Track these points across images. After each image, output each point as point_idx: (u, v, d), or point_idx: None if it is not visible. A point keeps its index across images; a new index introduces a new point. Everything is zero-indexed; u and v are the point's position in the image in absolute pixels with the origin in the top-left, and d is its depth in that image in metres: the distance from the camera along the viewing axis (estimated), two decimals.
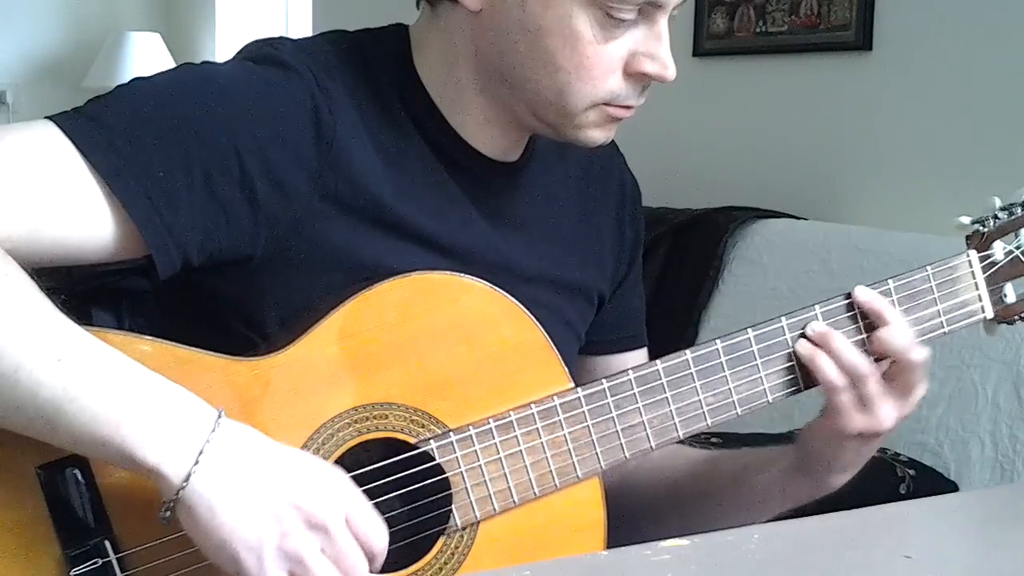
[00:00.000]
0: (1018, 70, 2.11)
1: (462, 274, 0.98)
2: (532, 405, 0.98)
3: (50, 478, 0.87)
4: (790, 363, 1.02)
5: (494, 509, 0.98)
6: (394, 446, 0.95)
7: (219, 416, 0.84)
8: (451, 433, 0.96)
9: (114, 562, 0.88)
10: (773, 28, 2.54)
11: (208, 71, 0.97)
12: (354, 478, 0.90)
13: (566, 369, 1.01)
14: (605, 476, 1.02)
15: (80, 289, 1.01)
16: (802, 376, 1.02)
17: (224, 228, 0.93)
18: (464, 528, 0.98)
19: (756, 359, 1.02)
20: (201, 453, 0.82)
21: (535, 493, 0.99)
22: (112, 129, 0.90)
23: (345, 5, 3.76)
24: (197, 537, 0.84)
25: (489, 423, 0.97)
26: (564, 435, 0.99)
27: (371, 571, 0.87)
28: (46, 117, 0.91)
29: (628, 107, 1.00)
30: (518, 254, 1.06)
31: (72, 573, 0.87)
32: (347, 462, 0.94)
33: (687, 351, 1.01)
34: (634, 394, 1.00)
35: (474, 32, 0.99)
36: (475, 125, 1.03)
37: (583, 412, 0.99)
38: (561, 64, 0.96)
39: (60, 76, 4.45)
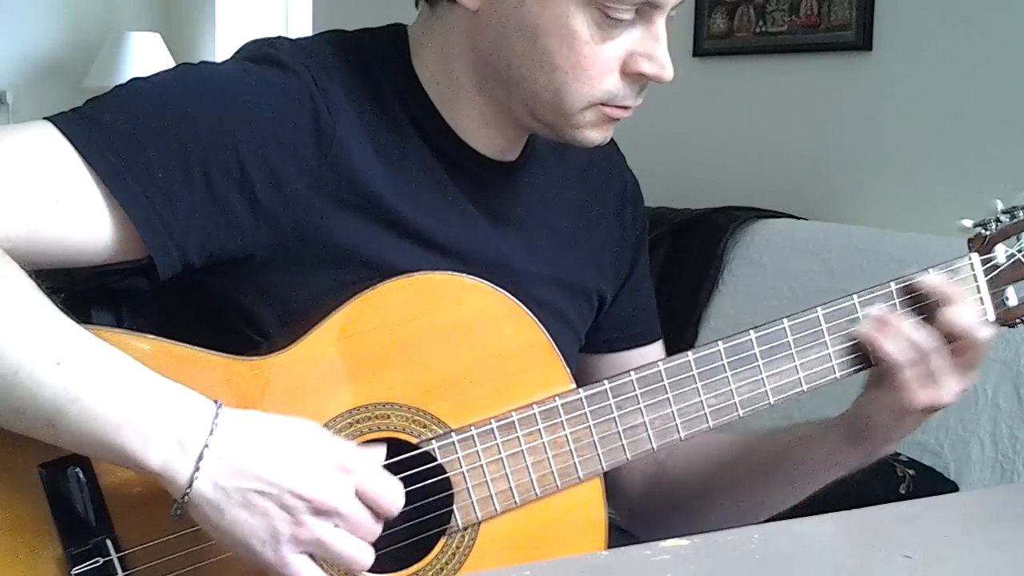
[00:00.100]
0: (1018, 70, 2.11)
1: (464, 274, 0.98)
2: (534, 405, 0.98)
3: (52, 477, 0.87)
4: (791, 364, 1.03)
5: (495, 509, 0.98)
6: (395, 446, 0.95)
7: (216, 414, 0.84)
8: (453, 433, 0.96)
9: (115, 561, 0.88)
10: (773, 28, 2.54)
11: (207, 71, 0.97)
12: None
13: (568, 370, 1.01)
14: (640, 466, 1.02)
15: (80, 289, 1.01)
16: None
17: (224, 228, 0.93)
18: (465, 528, 0.98)
19: (758, 360, 1.02)
20: (201, 458, 0.82)
21: (536, 493, 0.99)
22: (111, 130, 0.90)
23: (345, 5, 3.76)
24: (211, 534, 0.84)
25: (491, 423, 0.97)
26: (566, 435, 0.99)
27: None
28: (45, 118, 0.91)
29: (626, 107, 1.00)
30: (518, 254, 1.06)
31: (73, 572, 0.87)
32: None
33: (689, 352, 1.02)
34: (636, 395, 1.00)
35: (472, 32, 0.99)
36: (473, 125, 1.03)
37: (585, 413, 0.99)
38: (558, 64, 0.96)
39: (60, 76, 4.45)
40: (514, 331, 0.99)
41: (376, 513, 0.87)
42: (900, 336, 1.01)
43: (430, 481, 0.96)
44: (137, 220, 0.89)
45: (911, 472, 1.81)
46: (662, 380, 1.01)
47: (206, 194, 0.92)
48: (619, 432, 1.00)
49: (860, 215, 2.37)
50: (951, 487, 1.82)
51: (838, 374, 1.04)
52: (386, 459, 0.94)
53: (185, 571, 0.89)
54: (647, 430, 1.01)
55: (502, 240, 1.05)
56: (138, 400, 0.83)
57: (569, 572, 0.89)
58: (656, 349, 1.21)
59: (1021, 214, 1.07)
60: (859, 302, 1.04)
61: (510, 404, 0.98)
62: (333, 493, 0.84)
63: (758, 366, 1.02)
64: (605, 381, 1.00)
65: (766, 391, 1.03)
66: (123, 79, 0.98)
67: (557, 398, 0.99)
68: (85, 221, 0.89)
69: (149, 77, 0.97)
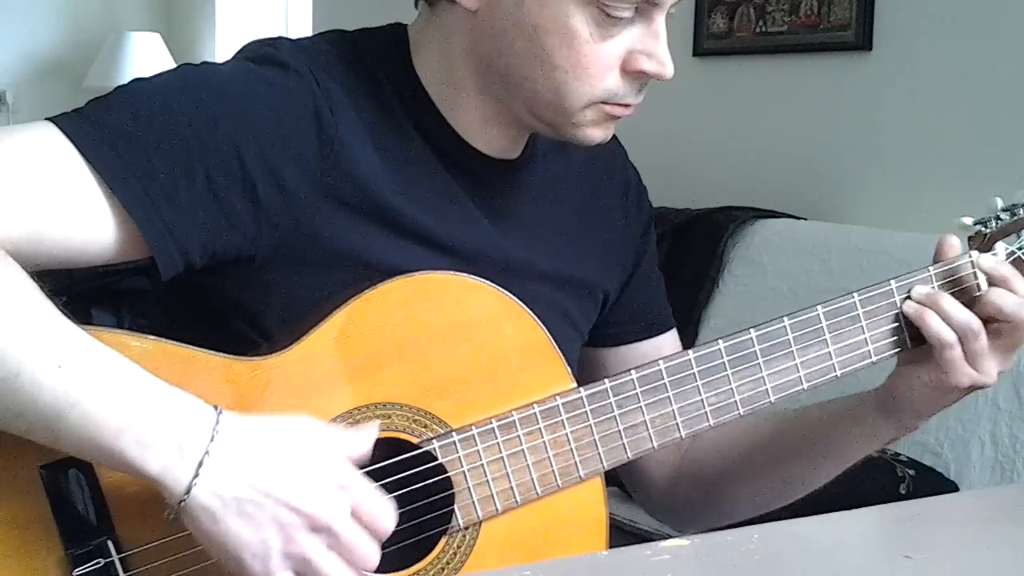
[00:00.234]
0: (1018, 70, 2.12)
1: (465, 274, 0.98)
2: (534, 405, 0.98)
3: (53, 478, 0.87)
4: (792, 362, 1.03)
5: (496, 509, 0.98)
6: (396, 446, 0.95)
7: (217, 420, 0.83)
8: (453, 433, 0.96)
9: (116, 562, 0.88)
10: (773, 28, 2.54)
11: (208, 71, 0.97)
12: None
13: (569, 369, 1.01)
14: (665, 454, 1.02)
15: (80, 289, 1.01)
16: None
17: (226, 228, 0.93)
18: (466, 528, 0.98)
19: (759, 359, 1.02)
20: (201, 465, 0.82)
21: (537, 493, 0.99)
22: (112, 130, 0.90)
23: (345, 5, 3.77)
24: (202, 541, 0.84)
25: (491, 423, 0.97)
26: (566, 434, 0.99)
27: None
28: (46, 118, 0.91)
29: (626, 105, 1.00)
30: (519, 251, 1.06)
31: (75, 573, 0.87)
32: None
33: (689, 351, 1.02)
34: (636, 394, 1.00)
35: (472, 31, 0.99)
36: (474, 124, 1.03)
37: (585, 412, 0.99)
38: (558, 63, 0.96)
39: (60, 76, 4.45)
40: (515, 330, 0.99)
41: (371, 533, 0.86)
42: (949, 315, 1.03)
43: (431, 481, 0.96)
44: (139, 220, 0.90)
45: (911, 472, 1.82)
46: (663, 379, 1.01)
47: (208, 194, 0.92)
48: (620, 431, 1.00)
49: (860, 215, 2.37)
50: (951, 487, 1.83)
51: (839, 372, 1.04)
52: (386, 459, 0.95)
53: (186, 572, 0.89)
54: (648, 429, 1.01)
55: (503, 239, 1.06)
56: (138, 405, 0.82)
57: (569, 572, 0.89)
58: (670, 338, 1.21)
59: (1021, 212, 1.07)
60: (860, 300, 1.04)
61: (511, 403, 0.98)
62: (328, 510, 0.84)
63: (758, 364, 1.02)
64: (606, 380, 1.00)
65: (767, 389, 1.03)
66: (123, 79, 0.98)
67: (558, 397, 0.99)
68: (87, 222, 0.89)
69: (151, 77, 0.97)
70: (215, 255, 0.94)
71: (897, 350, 1.05)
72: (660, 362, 1.01)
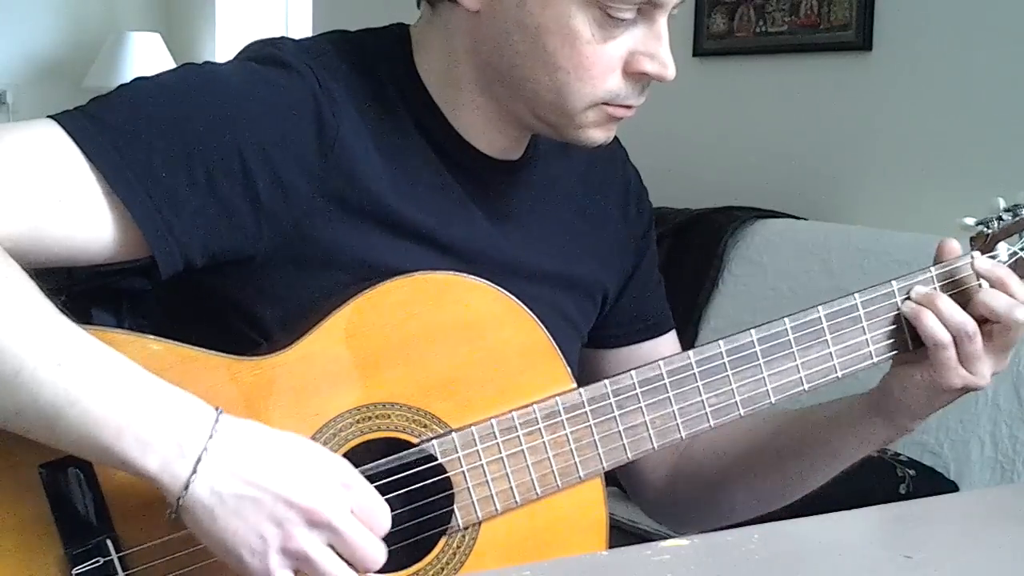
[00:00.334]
0: (1018, 70, 2.12)
1: (465, 274, 0.98)
2: (534, 405, 0.98)
3: (52, 477, 0.87)
4: (792, 363, 1.03)
5: (496, 509, 0.98)
6: (396, 446, 0.95)
7: (216, 420, 0.83)
8: (453, 433, 0.96)
9: (116, 561, 0.88)
10: (773, 28, 2.54)
11: (210, 71, 0.97)
12: None
13: (568, 369, 1.01)
14: (664, 455, 1.02)
15: (80, 289, 1.01)
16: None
17: (226, 228, 0.93)
18: (466, 528, 0.98)
19: (759, 359, 1.02)
20: (199, 461, 0.82)
21: (537, 493, 0.99)
22: (114, 129, 0.90)
23: (345, 5, 3.77)
24: (202, 539, 0.84)
25: (491, 423, 0.97)
26: (566, 435, 0.99)
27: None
28: (48, 116, 0.91)
29: (628, 106, 1.00)
30: (520, 252, 1.06)
31: (74, 572, 0.87)
32: (349, 461, 0.93)
33: (690, 352, 1.02)
34: (636, 394, 1.00)
35: (473, 32, 0.99)
36: (476, 124, 1.03)
37: (585, 412, 0.99)
38: (560, 64, 0.96)
39: (60, 76, 4.45)
40: (515, 331, 0.99)
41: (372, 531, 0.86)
42: (945, 316, 1.03)
43: (430, 481, 0.96)
44: (140, 219, 0.89)
45: (911, 472, 1.82)
46: (663, 380, 1.01)
47: (208, 194, 0.92)
48: (620, 432, 1.00)
49: (860, 215, 2.37)
50: (951, 487, 1.83)
51: (840, 373, 1.04)
52: (386, 458, 0.94)
53: (186, 571, 0.89)
54: (648, 430, 1.01)
55: (504, 238, 1.06)
56: (138, 403, 0.82)
57: (569, 572, 0.89)
58: (670, 339, 1.21)
59: (1023, 212, 1.07)
60: (861, 301, 1.04)
61: (511, 404, 0.98)
62: (328, 507, 0.84)
63: (759, 365, 1.02)
64: (606, 381, 1.00)
65: (767, 390, 1.03)
66: (123, 79, 0.98)
67: (558, 398, 0.99)
68: (88, 220, 0.89)
69: (153, 77, 0.97)
70: (215, 255, 0.94)
71: (898, 351, 1.05)
72: (660, 363, 1.01)
